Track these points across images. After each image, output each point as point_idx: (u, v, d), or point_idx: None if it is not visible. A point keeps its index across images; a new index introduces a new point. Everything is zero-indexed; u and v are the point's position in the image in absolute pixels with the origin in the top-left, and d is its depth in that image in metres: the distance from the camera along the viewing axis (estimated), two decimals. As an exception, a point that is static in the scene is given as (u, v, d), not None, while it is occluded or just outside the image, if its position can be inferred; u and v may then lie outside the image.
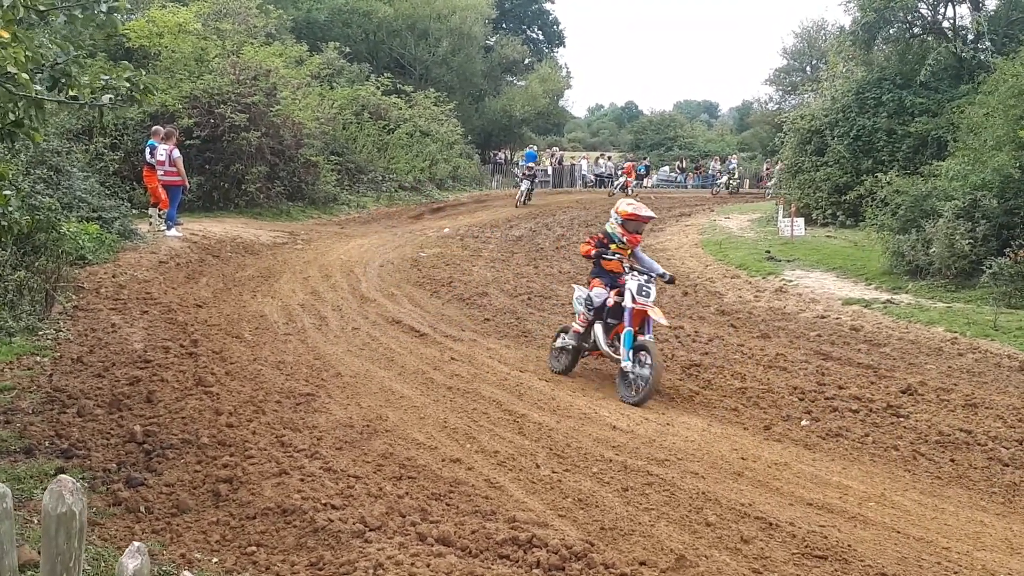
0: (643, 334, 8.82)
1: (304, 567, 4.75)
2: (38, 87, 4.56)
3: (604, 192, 42.14)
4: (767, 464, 6.82)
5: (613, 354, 8.96)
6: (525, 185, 31.55)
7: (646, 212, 9.52)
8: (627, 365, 8.64)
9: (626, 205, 9.61)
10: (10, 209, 5.12)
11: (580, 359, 9.62)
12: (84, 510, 1.36)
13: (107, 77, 4.88)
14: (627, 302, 8.89)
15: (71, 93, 4.78)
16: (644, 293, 8.89)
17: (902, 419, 8.01)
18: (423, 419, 7.57)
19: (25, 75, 4.32)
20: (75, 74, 4.69)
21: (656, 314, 8.92)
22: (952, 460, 7.09)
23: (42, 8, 4.59)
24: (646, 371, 8.42)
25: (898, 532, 5.58)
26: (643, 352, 8.58)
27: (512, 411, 7.89)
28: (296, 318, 11.64)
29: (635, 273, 9.06)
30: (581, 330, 9.33)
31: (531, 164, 33.59)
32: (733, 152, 56.43)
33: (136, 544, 2.23)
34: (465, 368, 9.47)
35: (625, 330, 8.78)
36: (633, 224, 9.43)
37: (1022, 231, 13.86)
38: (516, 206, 30.41)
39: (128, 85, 4.93)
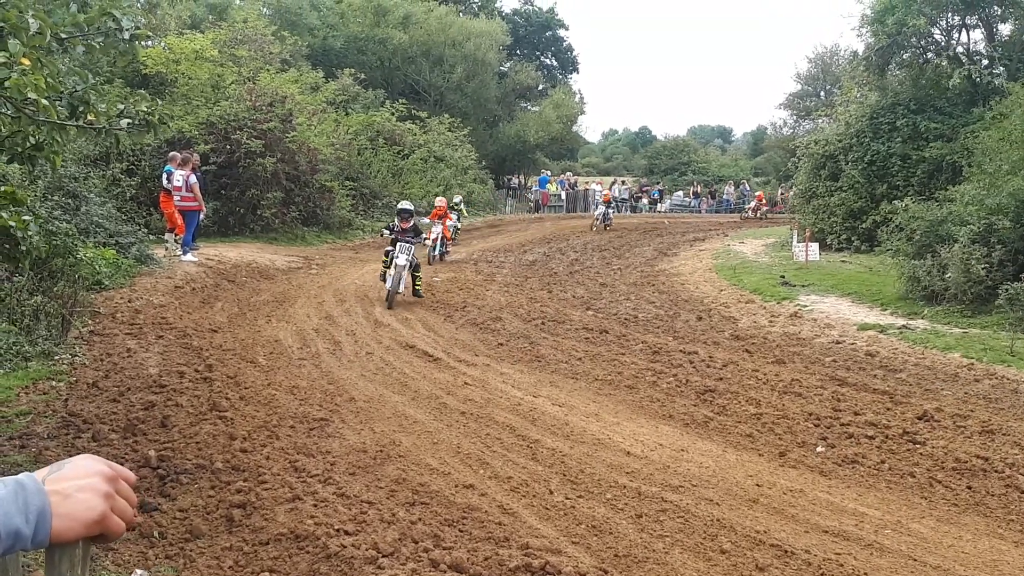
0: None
1: (317, 593, 4.74)
2: (61, 110, 4.62)
3: (618, 216, 42.24)
4: (782, 491, 6.77)
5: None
6: (405, 263, 15.55)
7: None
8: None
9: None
10: (29, 234, 5.18)
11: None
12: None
13: (123, 106, 4.95)
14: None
15: (90, 117, 4.85)
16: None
17: (918, 445, 7.94)
18: (436, 444, 7.56)
19: (45, 101, 4.38)
20: (93, 102, 4.76)
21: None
22: (969, 487, 7.02)
23: (64, 36, 4.66)
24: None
25: (915, 560, 5.52)
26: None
27: (525, 436, 7.87)
28: (310, 343, 11.67)
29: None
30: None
31: (407, 208, 16.84)
32: (747, 176, 56.42)
33: (139, 572, 2.24)
34: (478, 393, 9.46)
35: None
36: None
37: (1039, 256, 13.79)
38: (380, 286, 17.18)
39: (145, 112, 4.99)
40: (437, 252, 21.96)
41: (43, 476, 1.36)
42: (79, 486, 1.36)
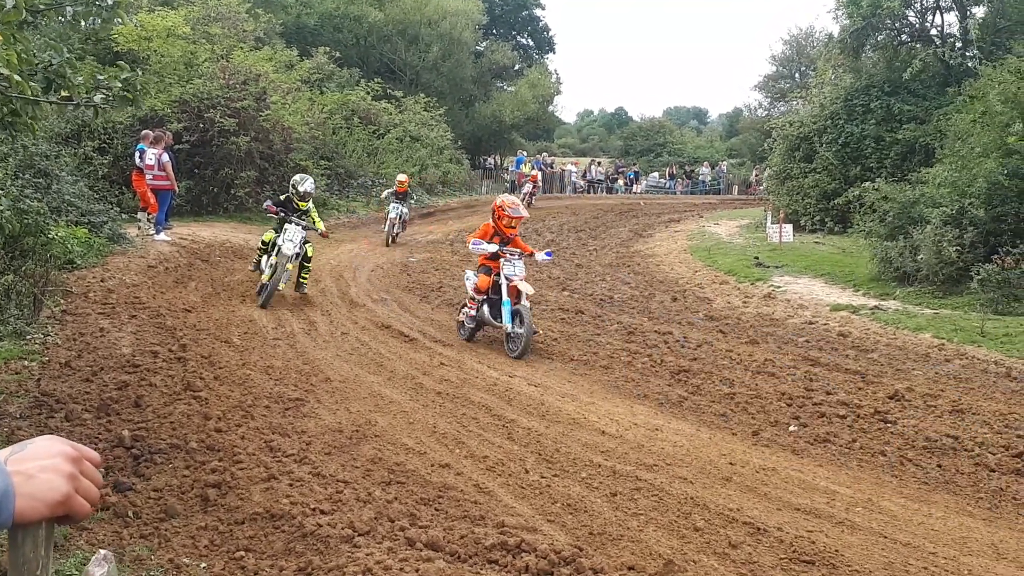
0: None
1: (293, 572, 4.74)
2: (34, 84, 4.56)
3: (594, 197, 42.25)
4: (755, 469, 6.84)
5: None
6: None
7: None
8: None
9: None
10: (2, 208, 5.12)
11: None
12: (49, 518, 1.36)
13: (102, 77, 4.89)
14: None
15: (64, 94, 4.79)
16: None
17: (889, 425, 8.04)
18: (412, 424, 7.57)
19: (17, 76, 4.32)
20: (69, 75, 4.70)
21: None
22: (939, 466, 7.12)
23: (42, 7, 4.59)
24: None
25: (885, 537, 5.60)
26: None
27: (501, 416, 7.89)
28: (285, 323, 11.62)
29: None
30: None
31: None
32: (723, 158, 56.53)
33: (102, 552, 2.23)
34: (454, 373, 9.47)
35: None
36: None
37: (1009, 237, 13.93)
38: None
39: (121, 86, 4.94)
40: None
41: (5, 457, 1.34)
42: (42, 466, 1.34)
